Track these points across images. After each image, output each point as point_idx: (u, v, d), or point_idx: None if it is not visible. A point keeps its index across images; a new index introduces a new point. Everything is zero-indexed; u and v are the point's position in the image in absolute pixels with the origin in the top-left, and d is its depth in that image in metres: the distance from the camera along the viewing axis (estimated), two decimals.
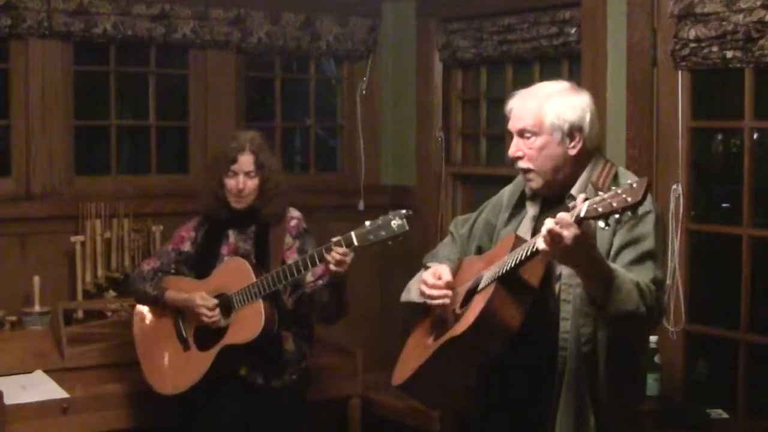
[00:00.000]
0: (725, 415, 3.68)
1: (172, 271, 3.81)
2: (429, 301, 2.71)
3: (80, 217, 4.40)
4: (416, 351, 2.76)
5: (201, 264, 3.77)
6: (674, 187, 3.82)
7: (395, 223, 3.28)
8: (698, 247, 3.92)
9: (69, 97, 4.51)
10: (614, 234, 2.51)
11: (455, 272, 2.80)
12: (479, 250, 2.84)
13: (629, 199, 2.16)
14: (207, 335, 3.63)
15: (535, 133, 2.61)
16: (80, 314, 4.32)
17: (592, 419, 2.52)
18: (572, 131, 2.60)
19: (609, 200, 2.18)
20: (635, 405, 2.72)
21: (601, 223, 2.21)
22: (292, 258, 3.67)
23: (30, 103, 4.37)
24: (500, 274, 2.47)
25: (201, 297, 3.60)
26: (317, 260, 3.43)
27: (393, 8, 5.19)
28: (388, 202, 5.20)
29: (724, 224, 3.95)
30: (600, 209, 2.19)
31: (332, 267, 3.39)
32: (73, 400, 3.81)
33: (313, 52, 5.11)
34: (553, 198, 2.65)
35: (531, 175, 2.65)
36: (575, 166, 2.63)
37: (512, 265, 2.44)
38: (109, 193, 4.57)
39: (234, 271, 3.63)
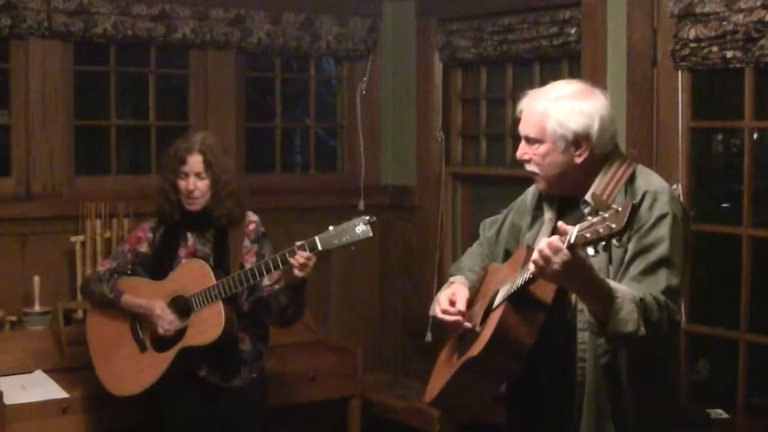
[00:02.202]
0: (725, 415, 3.68)
1: (128, 272, 3.76)
2: (442, 325, 2.67)
3: (80, 217, 4.40)
4: (444, 368, 2.74)
5: (157, 265, 3.73)
6: (674, 187, 3.81)
7: (359, 228, 3.31)
8: (698, 247, 3.92)
9: (69, 97, 4.51)
10: (629, 240, 2.41)
11: (481, 282, 2.76)
12: (507, 254, 2.77)
13: (613, 226, 2.09)
14: (164, 337, 3.61)
15: (538, 140, 2.52)
16: (80, 314, 4.31)
17: (612, 431, 2.46)
18: (577, 140, 2.48)
19: (596, 227, 2.11)
20: (667, 416, 2.59)
21: (590, 251, 2.16)
22: (250, 261, 3.65)
23: (30, 103, 4.37)
24: (510, 292, 2.43)
25: (160, 308, 3.59)
26: (280, 263, 3.43)
27: (393, 8, 5.19)
28: (388, 202, 5.21)
29: (724, 224, 3.95)
30: (588, 235, 2.12)
31: (296, 271, 3.41)
32: (73, 400, 3.81)
33: (313, 52, 5.11)
34: (570, 199, 2.57)
35: (538, 178, 2.59)
36: (583, 172, 2.53)
37: (521, 284, 2.40)
38: (109, 193, 4.57)
39: (193, 273, 3.61)
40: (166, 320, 3.59)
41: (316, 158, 5.33)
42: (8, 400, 3.66)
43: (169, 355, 3.58)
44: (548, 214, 2.65)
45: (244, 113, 5.01)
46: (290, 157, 5.52)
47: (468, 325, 2.60)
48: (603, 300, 2.26)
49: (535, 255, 2.22)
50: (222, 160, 3.70)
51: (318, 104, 5.34)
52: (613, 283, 2.32)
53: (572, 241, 2.15)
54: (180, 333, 3.59)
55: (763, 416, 3.69)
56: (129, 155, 5.03)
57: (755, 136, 3.80)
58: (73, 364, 4.03)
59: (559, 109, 2.49)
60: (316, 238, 3.37)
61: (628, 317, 2.26)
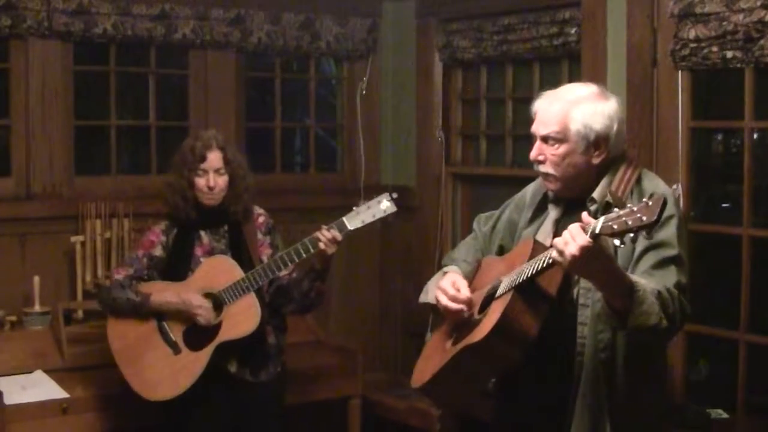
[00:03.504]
0: (725, 415, 3.68)
1: (145, 277, 3.73)
2: (444, 312, 2.69)
3: (80, 217, 4.40)
4: (436, 354, 2.74)
5: (173, 267, 3.71)
6: (674, 187, 3.81)
7: (384, 204, 3.43)
8: (698, 247, 3.92)
9: (69, 97, 4.51)
10: (636, 239, 2.44)
11: (474, 274, 2.80)
12: (501, 249, 2.82)
13: (644, 218, 2.13)
14: (197, 335, 3.61)
15: (559, 141, 2.55)
16: (80, 314, 4.32)
17: (608, 426, 2.50)
18: (598, 141, 2.54)
19: (624, 218, 2.16)
20: (657, 411, 2.65)
21: (616, 241, 2.19)
22: (266, 254, 3.70)
23: (30, 103, 4.37)
24: (518, 282, 2.45)
25: (197, 299, 3.59)
26: (311, 248, 3.48)
27: (393, 8, 5.19)
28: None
29: (724, 224, 3.95)
30: (615, 227, 2.17)
31: (327, 250, 3.45)
32: (73, 400, 3.81)
33: (313, 52, 5.11)
34: (576, 200, 2.61)
35: (551, 179, 2.62)
36: (598, 172, 2.58)
37: (530, 274, 2.42)
38: (109, 193, 4.57)
39: (218, 268, 3.62)
40: (205, 307, 3.57)
41: (316, 158, 5.34)
42: (8, 400, 3.66)
43: (206, 353, 3.57)
44: (554, 214, 2.68)
45: (244, 113, 5.01)
46: (290, 157, 5.53)
47: (467, 312, 2.63)
48: (624, 292, 2.30)
49: (557, 239, 2.26)
50: (237, 156, 3.76)
51: (318, 104, 5.34)
52: (633, 276, 2.35)
53: (597, 231, 2.19)
54: (214, 329, 3.58)
55: (763, 416, 3.69)
56: (129, 155, 5.03)
57: (755, 136, 3.80)
58: (73, 364, 4.03)
59: (583, 111, 2.54)
60: (344, 219, 3.44)
61: (651, 309, 2.30)
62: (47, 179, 4.43)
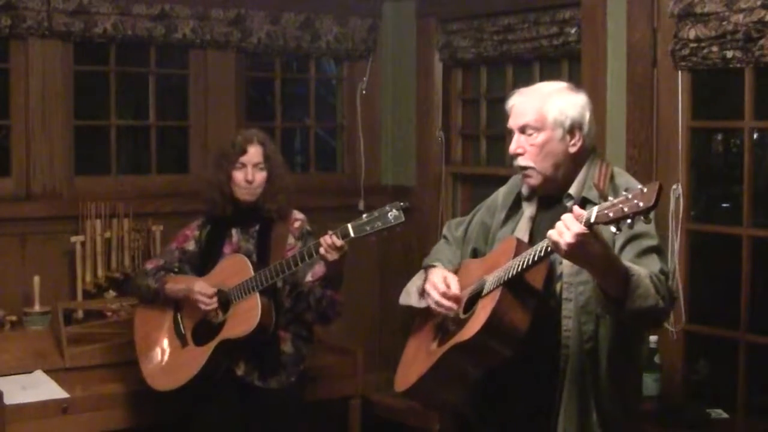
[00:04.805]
0: (725, 415, 3.69)
1: (176, 269, 3.81)
2: (435, 308, 2.71)
3: (80, 217, 4.39)
4: (419, 356, 2.76)
5: (203, 263, 3.78)
6: (674, 187, 3.82)
7: (392, 214, 3.36)
8: (698, 247, 3.92)
9: (69, 97, 4.51)
10: (633, 225, 2.52)
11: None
12: (474, 253, 2.87)
13: (641, 204, 2.17)
14: (205, 331, 3.63)
15: (537, 129, 2.63)
16: (80, 314, 4.32)
17: (594, 415, 2.55)
18: (573, 128, 2.63)
19: (620, 205, 2.19)
20: (636, 401, 2.76)
21: (612, 228, 2.23)
22: None
23: (30, 103, 4.37)
24: (506, 278, 2.48)
25: (199, 285, 3.62)
26: (314, 252, 3.45)
27: (393, 8, 5.19)
28: (388, 202, 5.20)
29: (724, 224, 3.95)
30: (611, 214, 2.21)
31: (326, 255, 3.41)
32: (73, 400, 3.81)
33: (313, 52, 5.11)
34: (551, 198, 2.68)
35: (530, 173, 2.67)
36: (574, 164, 2.65)
37: (519, 270, 2.45)
38: (109, 193, 4.57)
39: (232, 267, 3.65)
40: (207, 294, 3.58)
41: (316, 158, 5.34)
42: (8, 400, 3.66)
43: (207, 349, 3.59)
44: (528, 212, 2.75)
45: (244, 113, 5.01)
46: (290, 157, 5.52)
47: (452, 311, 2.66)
48: (620, 278, 2.35)
49: (551, 231, 2.30)
50: (277, 155, 3.81)
51: (318, 104, 5.34)
52: (626, 262, 2.41)
53: (592, 219, 2.24)
54: (219, 327, 3.60)
55: (763, 416, 3.69)
56: (129, 155, 5.03)
57: (755, 136, 3.80)
58: (73, 364, 4.02)
59: (557, 100, 2.65)
60: (349, 225, 3.40)
61: (647, 293, 2.36)
62: (47, 179, 4.43)
